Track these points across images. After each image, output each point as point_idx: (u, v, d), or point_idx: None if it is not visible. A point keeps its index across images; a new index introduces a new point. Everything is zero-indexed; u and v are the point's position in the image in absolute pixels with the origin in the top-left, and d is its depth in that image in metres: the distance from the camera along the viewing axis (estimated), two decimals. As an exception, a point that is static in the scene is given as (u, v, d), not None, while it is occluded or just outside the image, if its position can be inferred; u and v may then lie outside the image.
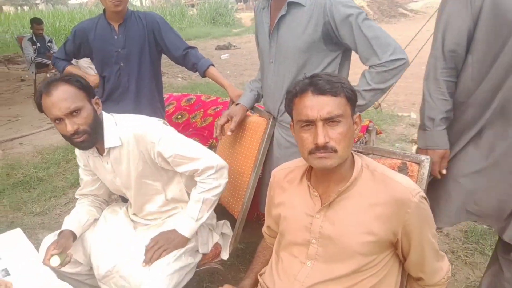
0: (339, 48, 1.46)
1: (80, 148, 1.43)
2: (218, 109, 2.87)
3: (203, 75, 2.16)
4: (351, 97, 1.02)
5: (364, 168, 1.07)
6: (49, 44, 6.46)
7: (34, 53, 6.10)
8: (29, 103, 6.04)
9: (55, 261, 1.38)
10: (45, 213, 2.85)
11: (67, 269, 1.52)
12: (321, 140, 0.97)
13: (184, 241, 1.48)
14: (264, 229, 1.36)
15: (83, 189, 1.68)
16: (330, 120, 0.98)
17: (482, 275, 2.04)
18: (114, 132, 1.45)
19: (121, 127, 1.47)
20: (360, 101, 1.38)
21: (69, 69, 2.24)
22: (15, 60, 9.95)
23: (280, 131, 1.65)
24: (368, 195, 1.03)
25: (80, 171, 1.66)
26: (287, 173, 1.20)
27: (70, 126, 1.31)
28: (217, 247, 1.68)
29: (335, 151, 0.99)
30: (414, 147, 3.15)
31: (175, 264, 1.41)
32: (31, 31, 6.33)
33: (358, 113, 1.07)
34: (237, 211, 1.75)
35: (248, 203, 1.70)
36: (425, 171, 1.16)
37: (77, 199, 1.72)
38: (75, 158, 3.72)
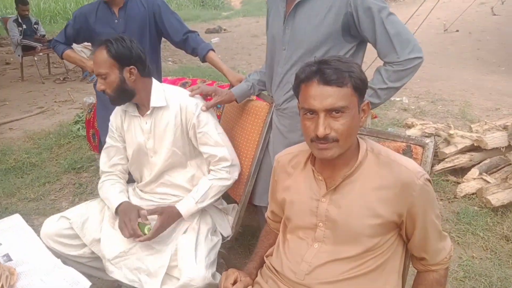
0: (356, 39, 1.44)
1: (110, 103, 1.58)
2: (214, 93, 2.85)
3: (203, 60, 2.15)
4: (359, 86, 1.00)
5: (369, 152, 1.08)
6: (35, 26, 6.27)
7: (20, 35, 5.90)
8: (16, 87, 5.91)
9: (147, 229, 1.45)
10: (40, 198, 2.83)
11: (72, 252, 1.56)
12: (321, 132, 0.99)
13: (177, 216, 1.54)
14: (268, 214, 1.37)
15: (113, 158, 1.69)
16: (333, 111, 0.99)
17: (473, 254, 2.12)
18: (161, 95, 1.57)
19: (169, 92, 1.60)
20: (374, 100, 1.38)
21: (68, 53, 2.25)
22: (-2, 43, 9.61)
23: (281, 120, 1.63)
24: (373, 179, 1.04)
25: (108, 139, 1.70)
26: (291, 158, 1.21)
27: (98, 85, 1.50)
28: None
29: (336, 141, 1.00)
30: (408, 131, 3.20)
31: (207, 245, 1.50)
32: (16, 12, 6.11)
33: (366, 101, 1.06)
34: (239, 195, 1.76)
35: (250, 187, 1.72)
36: (429, 153, 1.19)
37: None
38: (67, 143, 3.72)
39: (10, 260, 1.40)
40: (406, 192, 1.01)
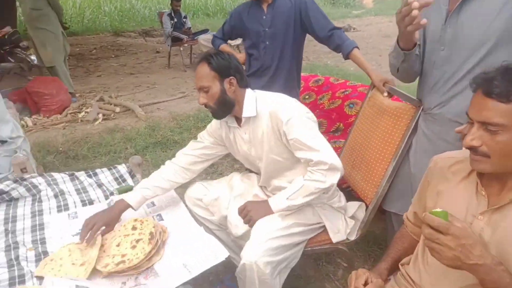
0: None
1: (212, 117, 1.61)
2: (347, 92, 2.82)
3: (346, 57, 2.15)
4: None
5: None
6: (184, 19, 7.03)
7: (172, 27, 6.69)
8: (164, 73, 6.73)
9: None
10: (179, 173, 3.18)
11: (207, 216, 1.78)
12: (465, 142, 0.94)
13: (269, 212, 1.56)
14: (408, 215, 1.30)
15: (190, 149, 1.77)
16: (488, 125, 0.91)
17: None
18: (253, 105, 1.58)
19: (260, 101, 1.60)
20: None
21: (223, 47, 2.49)
22: (150, 33, 11.06)
23: (430, 125, 1.54)
24: None
25: (205, 133, 1.76)
26: (453, 163, 1.12)
27: (200, 99, 1.54)
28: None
29: (487, 156, 0.92)
30: None
31: (279, 232, 1.50)
32: (170, 7, 6.93)
33: None
34: (370, 197, 1.72)
35: (383, 191, 1.67)
36: None
37: None
38: (204, 127, 4.03)
39: (162, 220, 1.61)
40: None
